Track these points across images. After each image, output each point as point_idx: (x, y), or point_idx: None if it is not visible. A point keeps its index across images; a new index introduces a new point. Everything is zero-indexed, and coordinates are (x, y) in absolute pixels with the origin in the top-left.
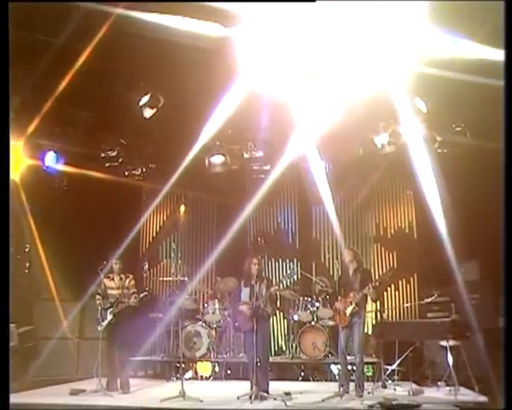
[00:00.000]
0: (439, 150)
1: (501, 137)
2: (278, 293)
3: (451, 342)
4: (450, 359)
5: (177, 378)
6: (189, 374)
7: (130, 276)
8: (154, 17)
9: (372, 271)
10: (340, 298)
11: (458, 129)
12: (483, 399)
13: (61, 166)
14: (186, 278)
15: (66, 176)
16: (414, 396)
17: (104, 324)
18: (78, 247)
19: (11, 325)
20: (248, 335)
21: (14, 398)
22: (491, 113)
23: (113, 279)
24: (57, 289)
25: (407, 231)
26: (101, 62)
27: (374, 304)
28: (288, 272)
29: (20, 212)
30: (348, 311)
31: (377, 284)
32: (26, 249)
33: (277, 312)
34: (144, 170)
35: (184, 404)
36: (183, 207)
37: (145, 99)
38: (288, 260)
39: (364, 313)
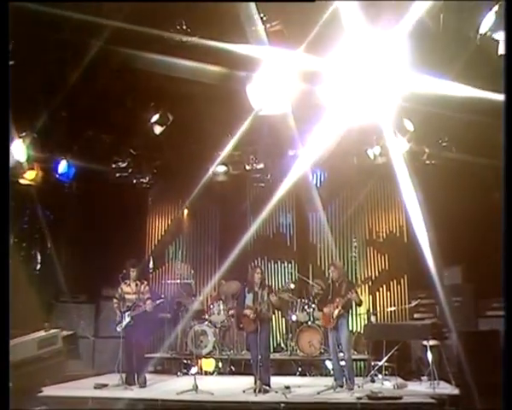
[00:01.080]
0: (428, 162)
1: (483, 152)
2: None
3: (432, 342)
4: (430, 356)
5: (183, 373)
6: (195, 370)
7: (145, 282)
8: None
9: (365, 271)
10: (328, 303)
11: (444, 144)
12: (457, 392)
13: (72, 175)
14: (192, 281)
15: (78, 183)
16: (398, 389)
17: (123, 325)
18: (90, 252)
19: (57, 330)
20: (252, 335)
21: (47, 391)
22: (474, 130)
23: (129, 285)
24: (74, 292)
25: (398, 235)
26: (117, 83)
27: (365, 307)
28: (284, 285)
29: (40, 217)
30: (335, 314)
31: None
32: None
33: (277, 313)
34: (151, 178)
35: (198, 397)
36: (186, 211)
37: (155, 117)
38: (286, 262)
39: (349, 315)
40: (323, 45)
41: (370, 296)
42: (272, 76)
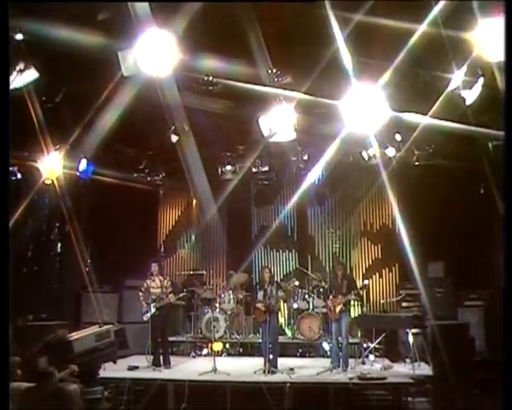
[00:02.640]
0: (416, 163)
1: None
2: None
3: (413, 330)
4: (411, 342)
5: (197, 355)
6: (205, 351)
7: (168, 277)
8: None
9: (359, 261)
10: (331, 297)
11: (431, 150)
12: (432, 373)
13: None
14: (203, 272)
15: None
16: (384, 371)
17: (148, 315)
18: (110, 245)
19: (109, 326)
20: (263, 325)
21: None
22: (455, 142)
23: (154, 280)
24: (99, 283)
25: (390, 226)
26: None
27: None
28: (290, 282)
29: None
30: (337, 309)
31: (357, 292)
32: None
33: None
34: (164, 175)
35: (217, 377)
36: (195, 201)
37: (172, 127)
38: (287, 251)
39: (349, 310)
40: (325, 83)
41: (366, 281)
42: (280, 111)
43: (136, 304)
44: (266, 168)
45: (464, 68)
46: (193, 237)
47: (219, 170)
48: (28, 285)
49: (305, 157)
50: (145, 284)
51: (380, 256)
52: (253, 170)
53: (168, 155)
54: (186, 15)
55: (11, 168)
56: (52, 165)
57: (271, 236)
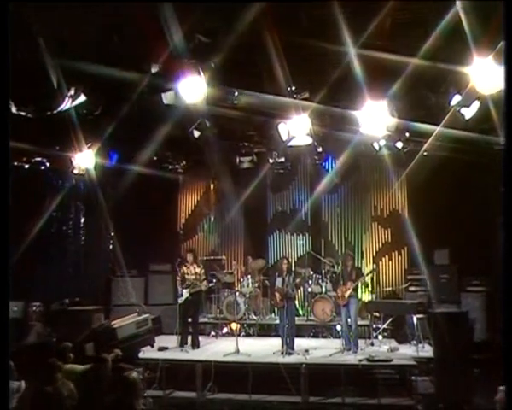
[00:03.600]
0: (425, 153)
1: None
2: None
3: (418, 315)
4: (415, 325)
5: (217, 335)
6: (225, 330)
7: (201, 266)
8: None
9: (369, 244)
10: (341, 285)
11: (438, 143)
12: (433, 355)
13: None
14: (223, 257)
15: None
16: (391, 352)
17: (183, 298)
18: (136, 232)
19: (147, 315)
20: (281, 310)
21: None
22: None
23: (188, 268)
24: (127, 268)
25: (400, 212)
26: None
27: (368, 287)
28: (305, 273)
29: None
30: (347, 294)
31: (366, 277)
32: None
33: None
34: (185, 163)
35: (239, 358)
36: (215, 192)
37: (195, 124)
38: (301, 235)
39: (357, 295)
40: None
41: (375, 265)
42: (297, 119)
43: (160, 287)
44: (282, 159)
45: (463, 94)
46: (212, 220)
47: (238, 160)
48: (61, 271)
49: (320, 149)
50: (181, 271)
51: (389, 240)
52: (270, 161)
53: (190, 147)
54: (217, 50)
55: (39, 159)
56: (83, 157)
57: (286, 220)
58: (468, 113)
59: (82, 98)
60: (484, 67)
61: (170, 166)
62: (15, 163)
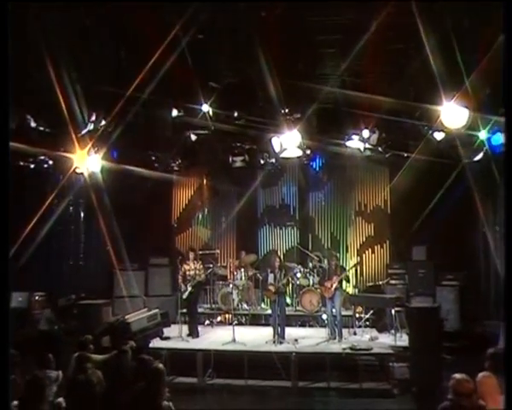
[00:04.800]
0: (406, 154)
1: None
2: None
3: (397, 308)
4: (394, 317)
5: (212, 323)
6: (219, 318)
7: (200, 261)
8: None
9: (354, 238)
10: (327, 279)
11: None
12: (407, 344)
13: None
14: (217, 251)
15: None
16: (371, 341)
17: (186, 294)
18: (135, 227)
19: (156, 310)
20: (273, 303)
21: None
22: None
23: (188, 264)
24: (128, 262)
25: (382, 207)
26: None
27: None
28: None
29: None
30: (332, 287)
31: (349, 271)
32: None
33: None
34: (180, 162)
35: (236, 347)
36: (208, 189)
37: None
38: (290, 228)
39: (341, 288)
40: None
41: (359, 257)
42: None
43: (159, 280)
44: (273, 160)
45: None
46: (205, 212)
47: (230, 159)
48: (64, 269)
49: (308, 151)
50: (183, 269)
51: (373, 234)
52: (261, 162)
53: (187, 148)
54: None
55: (43, 157)
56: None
57: (275, 215)
58: (439, 136)
59: (103, 122)
60: (449, 108)
61: (166, 165)
62: (21, 163)
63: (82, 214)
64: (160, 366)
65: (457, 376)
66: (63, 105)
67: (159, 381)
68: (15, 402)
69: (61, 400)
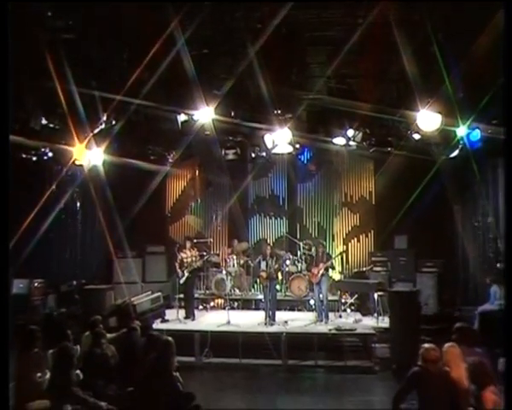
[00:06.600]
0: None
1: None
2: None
3: (379, 293)
4: (376, 301)
5: (206, 308)
6: (212, 304)
7: (196, 248)
8: None
9: (340, 228)
10: (314, 266)
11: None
12: (388, 325)
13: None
14: (210, 239)
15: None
16: (356, 323)
17: (183, 279)
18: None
19: (159, 293)
20: (265, 289)
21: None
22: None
23: (185, 252)
24: (127, 250)
25: (367, 198)
26: None
27: (337, 268)
28: (285, 259)
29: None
30: (319, 273)
31: (334, 259)
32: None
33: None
34: (173, 154)
35: (230, 328)
36: (201, 180)
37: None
38: (279, 219)
39: (328, 274)
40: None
41: (344, 246)
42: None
43: (156, 267)
44: (264, 154)
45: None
46: (198, 202)
47: (223, 152)
48: (65, 256)
49: (297, 146)
50: (180, 256)
51: (358, 224)
52: (252, 155)
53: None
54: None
55: (43, 149)
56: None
57: (265, 205)
58: (416, 136)
59: (112, 123)
60: (423, 114)
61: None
62: (24, 155)
63: (80, 204)
64: (170, 338)
65: (426, 345)
66: (76, 105)
67: (169, 352)
68: (39, 374)
69: (78, 372)
